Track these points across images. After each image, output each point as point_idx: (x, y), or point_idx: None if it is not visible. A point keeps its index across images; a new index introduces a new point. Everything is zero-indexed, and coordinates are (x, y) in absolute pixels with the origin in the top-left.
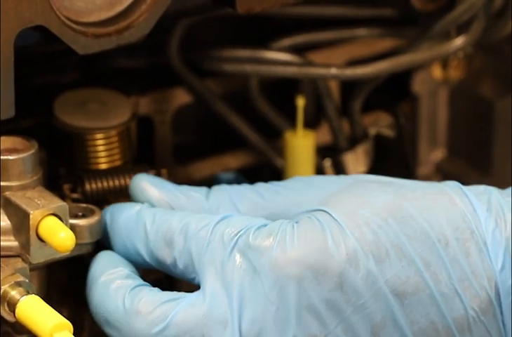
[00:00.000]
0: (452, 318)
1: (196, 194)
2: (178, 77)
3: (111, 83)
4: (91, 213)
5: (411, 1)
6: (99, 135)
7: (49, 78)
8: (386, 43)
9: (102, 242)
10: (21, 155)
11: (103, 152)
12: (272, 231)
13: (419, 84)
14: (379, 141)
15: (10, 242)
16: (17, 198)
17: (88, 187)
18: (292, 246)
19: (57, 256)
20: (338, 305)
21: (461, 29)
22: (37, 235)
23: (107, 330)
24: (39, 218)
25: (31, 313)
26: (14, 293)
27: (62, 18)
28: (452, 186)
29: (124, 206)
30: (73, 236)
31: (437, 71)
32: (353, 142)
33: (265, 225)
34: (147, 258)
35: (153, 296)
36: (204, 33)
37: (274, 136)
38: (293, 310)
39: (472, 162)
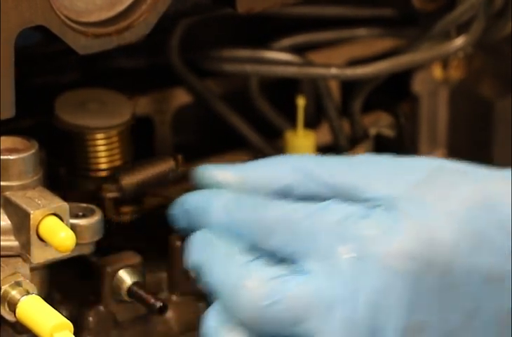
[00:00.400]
0: None
1: (261, 165)
2: (178, 77)
3: (111, 83)
4: (92, 212)
5: (411, 1)
6: (99, 135)
7: (49, 78)
8: (386, 43)
9: (185, 232)
10: (21, 155)
11: (103, 152)
12: (374, 220)
13: (419, 84)
14: (380, 141)
15: (11, 242)
16: (17, 198)
17: (123, 182)
18: (397, 236)
19: (58, 256)
20: (439, 293)
21: (461, 29)
22: (37, 235)
23: (217, 301)
24: (40, 218)
25: (32, 313)
26: (14, 293)
27: (63, 18)
28: None
29: (214, 193)
30: (74, 236)
31: (437, 71)
32: (353, 142)
33: (366, 214)
34: (242, 248)
35: (263, 271)
36: (204, 33)
37: (274, 136)
38: (399, 299)
39: (472, 162)
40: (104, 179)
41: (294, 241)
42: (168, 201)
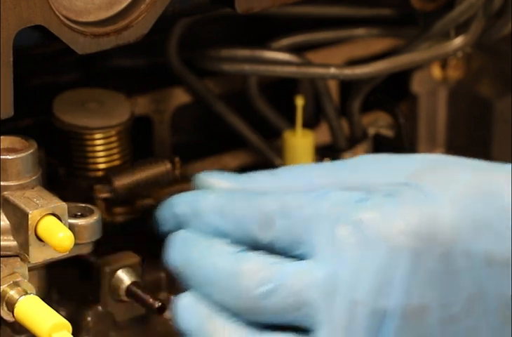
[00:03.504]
0: None
1: (263, 175)
2: (177, 77)
3: (109, 82)
4: (90, 212)
5: (410, 1)
6: (98, 135)
7: (48, 77)
8: (385, 43)
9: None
10: (20, 155)
11: (102, 152)
12: (375, 203)
13: (418, 84)
14: (378, 141)
15: (9, 242)
16: (15, 198)
17: (117, 183)
18: (399, 217)
19: (56, 256)
20: (439, 275)
21: (461, 29)
22: (36, 235)
23: (208, 289)
24: (38, 218)
25: (30, 313)
26: (13, 293)
27: (61, 18)
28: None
29: (203, 192)
30: (72, 236)
31: (436, 71)
32: (352, 142)
33: (365, 198)
34: (239, 240)
35: (260, 258)
36: (203, 33)
37: (273, 136)
38: (402, 280)
39: None
40: (99, 179)
41: (294, 228)
42: (158, 203)
